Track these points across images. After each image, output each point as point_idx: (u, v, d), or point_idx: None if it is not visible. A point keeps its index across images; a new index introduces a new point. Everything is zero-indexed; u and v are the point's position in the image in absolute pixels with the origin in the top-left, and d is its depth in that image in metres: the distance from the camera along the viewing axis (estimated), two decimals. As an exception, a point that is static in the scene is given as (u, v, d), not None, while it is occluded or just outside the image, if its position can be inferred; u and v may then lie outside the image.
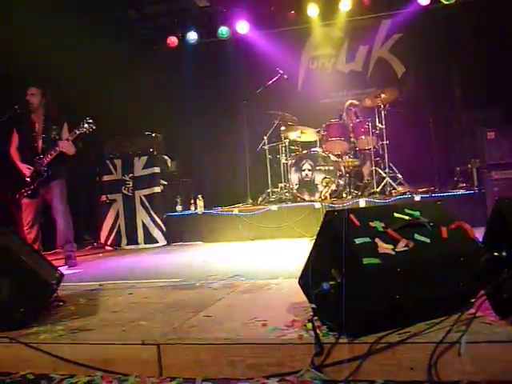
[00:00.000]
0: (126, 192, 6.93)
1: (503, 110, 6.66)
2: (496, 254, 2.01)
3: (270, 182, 7.36)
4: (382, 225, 2.11)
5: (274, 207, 6.54)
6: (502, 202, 2.10)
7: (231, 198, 7.61)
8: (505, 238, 2.02)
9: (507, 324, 1.98)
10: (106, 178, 7.06)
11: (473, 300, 2.07)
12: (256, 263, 4.61)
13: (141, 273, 4.50)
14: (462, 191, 6.27)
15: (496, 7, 7.13)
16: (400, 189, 6.65)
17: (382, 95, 6.85)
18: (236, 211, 6.64)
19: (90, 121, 5.04)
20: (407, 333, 1.94)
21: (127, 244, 6.88)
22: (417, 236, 2.10)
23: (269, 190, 7.33)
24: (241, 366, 2.05)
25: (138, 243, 6.83)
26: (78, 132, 5.02)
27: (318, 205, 6.28)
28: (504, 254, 1.99)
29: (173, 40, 8.83)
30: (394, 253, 2.00)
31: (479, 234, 2.21)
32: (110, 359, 2.21)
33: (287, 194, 7.11)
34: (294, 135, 7.26)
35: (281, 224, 6.33)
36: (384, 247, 2.00)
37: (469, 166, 6.63)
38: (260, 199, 7.34)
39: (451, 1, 7.59)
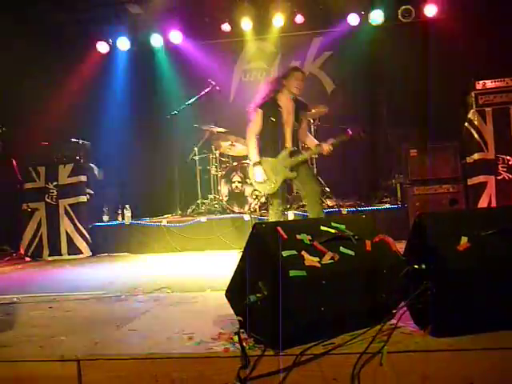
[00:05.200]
0: (49, 200, 6.65)
1: (427, 128, 7.00)
2: (416, 266, 2.09)
3: (199, 193, 7.31)
4: (309, 238, 2.14)
5: (203, 219, 6.50)
6: (422, 217, 2.20)
7: (160, 208, 7.49)
8: (424, 251, 2.10)
9: (426, 334, 2.06)
10: (28, 185, 6.73)
11: (394, 311, 2.14)
12: (184, 275, 4.56)
13: (63, 285, 4.32)
14: (386, 205, 6.51)
15: (420, 32, 7.54)
16: (328, 202, 6.79)
17: (312, 110, 7.00)
18: (164, 222, 6.55)
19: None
20: (332, 344, 1.97)
21: (49, 255, 6.59)
22: (342, 249, 2.15)
23: (198, 202, 7.27)
24: (166, 380, 2.01)
25: (61, 254, 6.56)
26: None
27: (247, 217, 6.30)
28: (423, 266, 2.07)
29: (103, 46, 8.62)
30: (319, 265, 2.04)
31: (402, 247, 2.29)
32: (26, 377, 2.09)
33: (217, 206, 7.09)
34: (224, 147, 7.26)
35: (210, 236, 6.30)
36: (310, 260, 2.03)
37: (393, 181, 6.90)
38: (189, 210, 7.27)
39: (379, 22, 7.92)
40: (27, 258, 6.55)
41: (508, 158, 5.47)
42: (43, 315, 2.96)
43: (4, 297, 3.66)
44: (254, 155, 4.86)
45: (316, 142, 5.08)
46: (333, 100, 8.07)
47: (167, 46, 8.66)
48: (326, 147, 4.87)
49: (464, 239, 2.07)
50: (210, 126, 7.22)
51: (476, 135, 5.57)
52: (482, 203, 5.50)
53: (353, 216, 4.71)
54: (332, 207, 6.57)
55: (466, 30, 7.08)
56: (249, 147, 4.96)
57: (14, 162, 6.73)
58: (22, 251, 6.65)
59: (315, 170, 6.95)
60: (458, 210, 5.22)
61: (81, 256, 6.50)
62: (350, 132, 4.85)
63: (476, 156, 5.59)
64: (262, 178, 4.76)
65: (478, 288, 2.02)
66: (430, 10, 7.69)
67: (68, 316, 2.92)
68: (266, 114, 4.84)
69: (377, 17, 7.90)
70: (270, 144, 4.84)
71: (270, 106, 4.86)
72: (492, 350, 1.91)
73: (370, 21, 7.97)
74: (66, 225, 6.59)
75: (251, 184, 6.71)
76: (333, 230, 2.23)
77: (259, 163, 4.79)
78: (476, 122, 5.58)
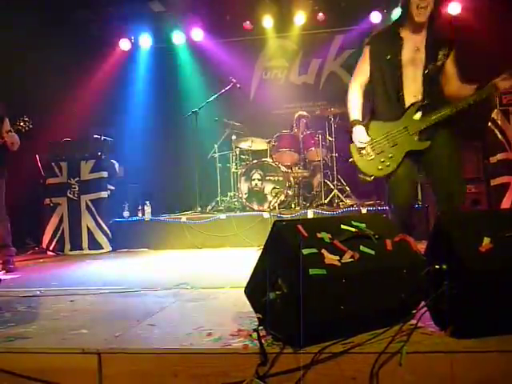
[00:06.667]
0: (71, 196, 6.74)
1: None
2: (437, 266, 2.07)
3: (219, 190, 7.34)
4: (329, 236, 2.14)
5: (223, 216, 6.52)
6: (444, 217, 2.18)
7: (180, 205, 7.54)
8: (445, 251, 2.08)
9: (446, 335, 2.05)
10: (50, 180, 6.83)
11: (414, 311, 2.12)
12: (203, 272, 4.58)
13: (84, 279, 4.37)
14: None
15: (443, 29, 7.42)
16: (347, 201, 6.77)
17: (332, 108, 6.99)
18: (184, 219, 6.58)
19: (26, 119, 4.88)
20: (351, 343, 1.96)
21: (71, 249, 6.68)
22: (362, 248, 2.14)
23: (218, 199, 7.31)
24: (184, 375, 2.02)
25: (82, 249, 6.64)
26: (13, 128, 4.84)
27: (266, 215, 6.31)
28: (444, 266, 2.06)
29: (125, 43, 8.71)
30: (339, 264, 2.03)
31: (422, 247, 2.28)
32: (47, 369, 2.12)
33: (236, 203, 7.12)
34: (244, 145, 7.29)
35: (229, 233, 6.32)
36: (330, 258, 2.03)
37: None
38: (209, 207, 7.31)
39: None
40: (49, 252, 6.65)
41: (532, 158, 5.38)
42: (65, 308, 3.01)
43: (27, 290, 3.72)
44: (352, 112, 3.25)
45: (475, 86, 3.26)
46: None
47: (189, 44, 8.72)
48: (504, 82, 3.17)
49: (486, 240, 2.05)
50: (231, 122, 7.28)
51: (499, 135, 5.49)
52: (505, 204, 5.41)
53: (373, 215, 4.68)
54: (351, 206, 6.54)
55: (490, 27, 6.97)
56: (348, 102, 3.32)
57: (37, 157, 6.84)
58: (44, 245, 6.75)
59: (335, 168, 6.92)
60: (480, 211, 5.16)
61: (101, 251, 6.58)
62: None
63: (499, 156, 5.51)
64: (362, 145, 3.19)
65: (500, 289, 1.99)
66: (454, 8, 7.60)
67: (89, 310, 2.96)
68: (377, 50, 3.25)
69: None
70: (385, 98, 3.24)
71: (384, 38, 3.28)
72: (513, 353, 1.89)
73: (392, 19, 7.89)
74: (87, 220, 6.67)
75: (271, 181, 6.76)
76: (353, 229, 2.22)
77: (358, 123, 3.19)
78: (499, 122, 5.50)
